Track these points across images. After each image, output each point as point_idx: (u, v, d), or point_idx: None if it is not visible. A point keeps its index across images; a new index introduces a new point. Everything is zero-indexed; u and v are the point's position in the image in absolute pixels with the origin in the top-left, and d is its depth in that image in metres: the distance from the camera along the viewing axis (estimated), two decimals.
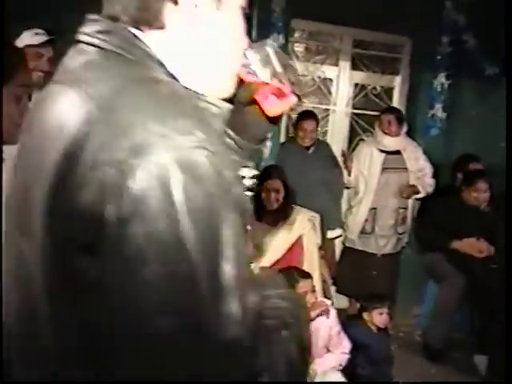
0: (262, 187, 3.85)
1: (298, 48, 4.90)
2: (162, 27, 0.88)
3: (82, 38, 0.90)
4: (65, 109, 0.83)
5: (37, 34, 3.28)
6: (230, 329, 0.75)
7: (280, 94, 1.15)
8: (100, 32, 0.88)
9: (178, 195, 0.72)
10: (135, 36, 0.88)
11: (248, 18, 3.25)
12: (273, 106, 1.17)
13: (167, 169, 0.72)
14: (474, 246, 4.28)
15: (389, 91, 5.19)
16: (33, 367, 0.86)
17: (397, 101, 5.15)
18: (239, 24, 0.97)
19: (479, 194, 4.31)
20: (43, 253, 0.79)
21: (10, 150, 1.65)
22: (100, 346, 0.77)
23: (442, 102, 4.81)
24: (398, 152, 4.50)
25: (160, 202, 0.72)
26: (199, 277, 0.73)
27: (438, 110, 4.84)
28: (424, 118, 4.87)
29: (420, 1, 4.51)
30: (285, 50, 4.63)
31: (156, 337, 0.74)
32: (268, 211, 3.87)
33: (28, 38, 3.22)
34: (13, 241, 0.88)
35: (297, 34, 4.83)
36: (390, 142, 4.46)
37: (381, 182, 4.48)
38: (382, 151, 4.49)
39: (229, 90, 1.01)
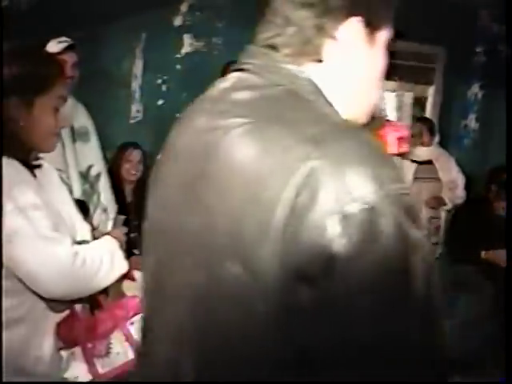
0: None
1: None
2: (320, 60, 0.95)
3: (248, 69, 0.99)
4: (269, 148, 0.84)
5: (60, 42, 3.39)
6: (444, 352, 0.82)
7: (401, 138, 1.20)
8: (266, 66, 0.96)
9: (412, 233, 0.78)
10: (302, 70, 0.95)
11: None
12: (393, 145, 1.23)
13: (395, 211, 0.77)
14: (503, 257, 4.25)
15: (422, 101, 5.18)
16: None
17: (430, 111, 5.14)
18: (384, 60, 1.02)
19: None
20: (267, 282, 0.80)
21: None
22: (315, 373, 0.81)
23: (476, 112, 4.80)
24: (430, 162, 4.52)
25: (392, 238, 0.77)
26: (421, 307, 0.79)
27: (472, 121, 4.82)
28: (457, 128, 4.86)
29: (454, 10, 4.50)
30: None
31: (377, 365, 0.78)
32: None
33: (52, 47, 3.33)
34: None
35: None
36: (422, 152, 4.48)
37: (413, 191, 4.47)
38: (414, 161, 4.50)
39: (365, 119, 1.05)
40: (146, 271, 1.03)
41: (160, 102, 4.56)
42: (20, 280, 1.52)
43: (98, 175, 3.42)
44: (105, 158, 3.86)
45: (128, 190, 3.86)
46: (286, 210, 0.78)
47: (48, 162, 1.77)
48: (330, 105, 0.94)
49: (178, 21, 4.50)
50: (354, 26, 0.94)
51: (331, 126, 0.86)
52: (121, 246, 1.74)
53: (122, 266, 1.71)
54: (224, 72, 4.10)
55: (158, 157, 1.13)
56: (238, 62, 1.02)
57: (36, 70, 1.62)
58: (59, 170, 3.18)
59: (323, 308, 0.77)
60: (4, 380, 1.57)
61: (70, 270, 1.52)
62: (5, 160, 1.54)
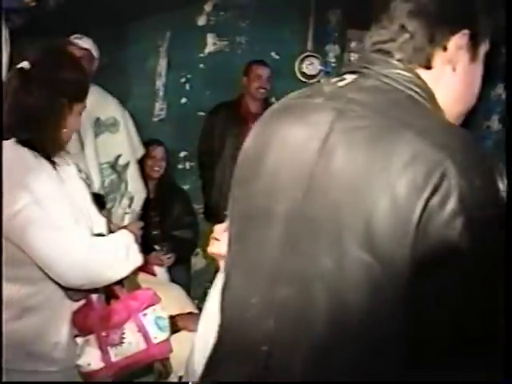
0: None
1: (355, 58, 4.93)
2: (429, 67, 1.05)
3: (363, 72, 1.07)
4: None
5: (77, 38, 3.48)
6: None
7: None
8: (383, 71, 1.05)
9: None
10: (417, 77, 1.04)
11: (303, 29, 3.36)
12: None
13: (502, 215, 0.90)
14: None
15: None
16: None
17: None
18: (482, 70, 1.13)
19: None
20: (395, 271, 0.91)
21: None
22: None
23: (499, 113, 4.75)
24: None
25: (500, 239, 0.90)
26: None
27: (494, 122, 4.78)
28: (479, 129, 4.82)
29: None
30: (340, 60, 4.70)
31: None
32: None
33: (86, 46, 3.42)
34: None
35: (353, 45, 4.86)
36: None
37: None
38: None
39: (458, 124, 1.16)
40: (242, 253, 1.12)
41: (183, 101, 4.61)
42: (39, 268, 1.58)
43: (127, 164, 3.49)
44: None
45: (151, 186, 3.92)
46: (421, 209, 0.88)
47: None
48: (442, 111, 1.06)
49: (201, 20, 4.55)
50: (462, 38, 1.04)
51: (457, 136, 0.97)
52: (136, 240, 1.78)
53: (136, 259, 1.76)
54: (246, 71, 4.14)
55: (248, 145, 1.18)
56: (349, 64, 1.13)
57: (84, 80, 1.78)
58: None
59: (442, 295, 0.89)
60: (18, 366, 1.64)
61: (86, 260, 1.58)
62: (30, 153, 1.61)
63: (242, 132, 4.15)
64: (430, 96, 1.04)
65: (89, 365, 1.66)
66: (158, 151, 3.93)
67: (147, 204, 3.81)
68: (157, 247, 3.72)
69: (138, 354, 1.69)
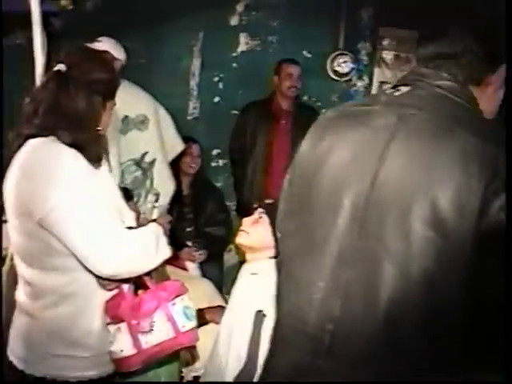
0: None
1: (387, 55, 4.92)
2: (478, 85, 1.26)
3: (420, 85, 1.26)
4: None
5: (116, 44, 3.55)
6: None
7: None
8: (438, 84, 1.25)
9: None
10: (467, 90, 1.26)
11: (335, 27, 3.39)
12: None
13: None
14: None
15: None
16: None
17: None
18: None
19: None
20: (457, 245, 1.10)
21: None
22: None
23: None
24: None
25: None
26: None
27: None
28: None
29: None
30: (372, 58, 4.70)
31: None
32: None
33: (111, 49, 3.50)
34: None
35: (385, 42, 4.85)
36: None
37: None
38: None
39: None
40: (306, 242, 1.27)
41: (216, 99, 4.69)
42: (75, 258, 1.66)
43: (153, 162, 3.56)
44: None
45: (185, 183, 3.99)
46: (482, 195, 1.07)
47: None
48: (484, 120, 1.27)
49: (234, 20, 4.61)
50: (503, 71, 1.27)
51: (500, 137, 1.15)
52: (165, 233, 1.85)
53: (165, 252, 1.82)
54: (277, 70, 4.18)
55: (308, 147, 1.35)
56: (403, 77, 1.33)
57: (114, 78, 1.87)
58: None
59: (495, 266, 1.08)
60: (54, 351, 1.73)
61: (119, 252, 1.65)
62: (68, 149, 1.69)
63: (273, 129, 4.21)
64: (477, 107, 1.26)
65: (121, 351, 1.73)
66: (195, 148, 3.99)
67: (181, 200, 3.89)
68: (189, 243, 3.79)
69: (167, 342, 1.75)
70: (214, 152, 4.72)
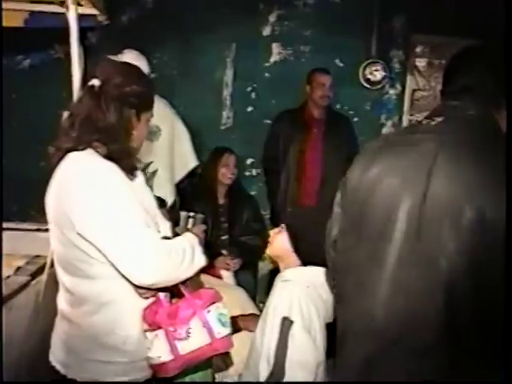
0: None
1: (420, 63, 4.90)
2: (497, 111, 1.53)
3: (449, 115, 1.53)
4: None
5: (139, 56, 3.62)
6: None
7: None
8: (467, 113, 1.52)
9: None
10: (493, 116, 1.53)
11: (367, 35, 3.41)
12: None
13: None
14: None
15: None
16: None
17: None
18: None
19: None
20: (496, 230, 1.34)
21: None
22: None
23: None
24: None
25: None
26: None
27: None
28: None
29: None
30: (405, 65, 4.69)
31: None
32: None
33: (137, 62, 3.58)
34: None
35: (418, 49, 4.84)
36: None
37: None
38: None
39: None
40: (369, 249, 1.52)
41: (249, 109, 4.73)
42: (112, 267, 1.70)
43: (154, 172, 3.62)
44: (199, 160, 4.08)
45: (221, 192, 4.02)
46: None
47: None
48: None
49: (266, 31, 4.65)
50: None
51: None
52: (200, 242, 1.89)
53: (200, 261, 1.86)
54: (309, 79, 4.20)
55: (359, 172, 1.62)
56: (436, 109, 1.62)
57: (150, 90, 1.91)
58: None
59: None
60: (94, 356, 1.78)
61: (156, 261, 1.69)
62: (104, 161, 1.74)
63: (305, 138, 4.22)
64: (500, 127, 1.51)
65: (159, 357, 1.77)
66: (232, 159, 4.01)
67: (216, 210, 3.93)
68: (224, 252, 3.82)
69: (202, 348, 1.78)
70: (248, 161, 4.75)
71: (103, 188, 1.69)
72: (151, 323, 1.79)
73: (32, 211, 3.82)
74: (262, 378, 2.10)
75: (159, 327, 1.78)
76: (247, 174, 4.76)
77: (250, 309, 3.03)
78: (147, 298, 1.82)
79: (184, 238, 1.88)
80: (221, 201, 4.00)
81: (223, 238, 3.91)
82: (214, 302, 1.84)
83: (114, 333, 1.79)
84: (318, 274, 2.24)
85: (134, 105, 1.83)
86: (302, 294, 2.19)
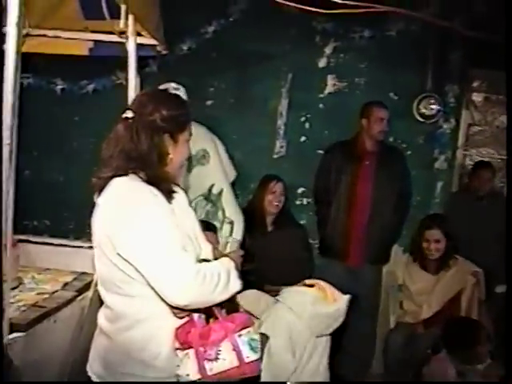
0: (422, 237, 3.93)
1: (477, 97, 4.86)
2: None
3: None
4: None
5: (175, 88, 3.73)
6: None
7: None
8: None
9: None
10: None
11: (423, 69, 3.41)
12: None
13: None
14: None
15: None
16: None
17: None
18: None
19: None
20: None
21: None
22: None
23: None
24: None
25: None
26: None
27: None
28: None
29: None
30: (460, 100, 4.65)
31: None
32: (429, 259, 3.91)
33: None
34: None
35: (475, 84, 4.80)
36: None
37: None
38: None
39: None
40: None
41: (303, 139, 4.78)
42: (149, 287, 1.78)
43: (220, 192, 3.69)
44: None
45: (269, 220, 4.07)
46: None
47: None
48: None
49: (322, 62, 4.72)
50: None
51: None
52: (236, 267, 1.93)
53: (235, 285, 1.90)
54: (365, 112, 4.22)
55: None
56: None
57: (181, 112, 1.95)
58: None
59: None
60: (127, 370, 1.84)
61: (191, 284, 1.75)
62: (144, 185, 1.82)
63: (357, 170, 4.23)
64: None
65: (187, 375, 1.81)
66: (278, 187, 4.06)
67: (264, 237, 3.98)
68: None
69: (230, 370, 1.81)
70: (299, 190, 4.79)
71: (142, 211, 1.77)
72: (183, 342, 1.83)
73: (88, 229, 3.97)
74: None
75: (190, 347, 1.82)
76: (298, 202, 4.79)
77: None
78: (182, 317, 1.87)
79: (220, 262, 1.92)
80: (269, 228, 4.05)
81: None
82: (246, 327, 1.87)
83: (147, 349, 1.85)
84: (305, 293, 2.49)
85: (165, 129, 1.89)
86: (284, 314, 2.48)
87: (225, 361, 1.81)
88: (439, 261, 3.93)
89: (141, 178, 1.84)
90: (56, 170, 4.77)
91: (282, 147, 4.80)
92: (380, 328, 4.33)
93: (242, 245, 3.49)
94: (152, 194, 1.82)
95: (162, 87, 3.59)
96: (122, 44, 3.09)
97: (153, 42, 3.35)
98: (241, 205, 4.36)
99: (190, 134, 1.99)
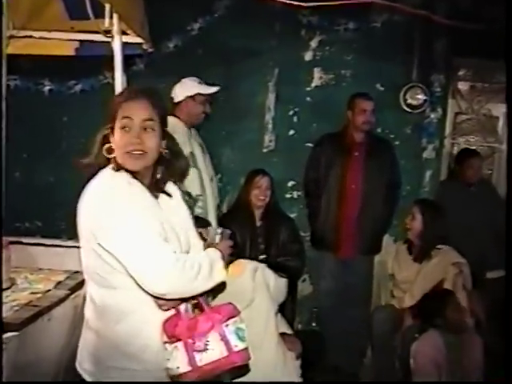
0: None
1: (463, 86, 4.90)
2: None
3: None
4: None
5: (200, 82, 3.76)
6: None
7: None
8: None
9: None
10: None
11: (408, 60, 3.45)
12: None
13: None
14: None
15: None
16: None
17: None
18: None
19: None
20: None
21: None
22: None
23: None
24: None
25: None
26: None
27: None
28: None
29: None
30: (446, 89, 4.69)
31: None
32: (414, 245, 3.97)
33: (196, 87, 3.72)
34: None
35: (461, 72, 4.83)
36: None
37: None
38: None
39: None
40: None
41: (291, 133, 4.81)
42: (130, 277, 1.80)
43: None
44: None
45: (257, 214, 4.08)
46: None
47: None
48: None
49: (308, 56, 4.75)
50: None
51: None
52: (222, 257, 1.95)
53: (219, 276, 1.92)
54: (350, 105, 4.24)
55: None
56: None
57: (118, 100, 1.97)
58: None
59: None
60: (115, 364, 1.87)
61: (170, 272, 1.77)
62: (122, 177, 1.87)
63: (346, 161, 4.26)
64: None
65: (178, 368, 1.83)
66: (264, 181, 4.05)
67: (253, 231, 4.00)
68: None
69: (220, 360, 1.83)
70: (289, 184, 4.81)
71: (116, 202, 1.80)
72: (171, 335, 1.85)
73: None
74: None
75: (179, 339, 1.84)
76: (288, 196, 4.82)
77: (283, 328, 3.05)
78: (166, 309, 1.88)
79: (204, 253, 1.95)
80: (258, 223, 4.06)
81: (260, 258, 3.97)
82: (232, 317, 1.90)
83: (135, 342, 1.87)
84: None
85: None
86: None
87: (214, 351, 1.83)
88: (422, 248, 3.96)
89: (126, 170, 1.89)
90: (46, 171, 4.77)
91: (270, 141, 4.82)
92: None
93: (233, 240, 3.49)
94: (129, 184, 1.86)
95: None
96: (108, 43, 3.09)
97: (139, 40, 3.35)
98: (231, 200, 4.41)
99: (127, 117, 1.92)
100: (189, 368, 1.82)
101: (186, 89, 3.75)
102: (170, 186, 2.05)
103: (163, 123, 1.96)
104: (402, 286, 4.01)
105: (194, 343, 1.83)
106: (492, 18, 3.63)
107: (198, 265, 1.84)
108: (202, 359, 1.82)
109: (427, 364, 3.36)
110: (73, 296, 2.67)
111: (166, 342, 1.87)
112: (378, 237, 4.39)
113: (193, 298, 1.90)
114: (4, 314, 2.16)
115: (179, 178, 2.09)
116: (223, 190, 4.64)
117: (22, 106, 4.16)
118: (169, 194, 2.03)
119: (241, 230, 3.91)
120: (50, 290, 2.64)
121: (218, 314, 1.88)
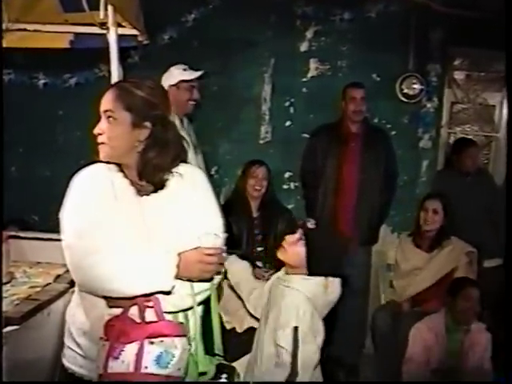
0: (421, 207, 3.98)
1: (459, 76, 4.89)
2: None
3: None
4: None
5: (185, 69, 3.74)
6: None
7: None
8: None
9: None
10: None
11: (404, 50, 3.43)
12: None
13: None
14: None
15: None
16: None
17: None
18: None
19: None
20: None
21: None
22: None
23: None
24: None
25: None
26: None
27: None
28: None
29: None
30: (442, 79, 4.68)
31: None
32: (425, 236, 3.96)
33: (180, 75, 3.70)
34: None
35: (456, 62, 4.83)
36: None
37: None
38: None
39: None
40: None
41: (288, 124, 4.80)
42: None
43: None
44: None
45: (254, 205, 4.08)
46: None
47: None
48: None
49: (304, 46, 4.73)
50: None
51: None
52: (177, 266, 1.80)
53: (162, 284, 1.79)
54: (342, 94, 4.23)
55: None
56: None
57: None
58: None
59: None
60: (66, 342, 2.01)
61: (77, 265, 1.88)
62: (85, 173, 1.94)
63: (343, 152, 4.25)
64: None
65: (97, 367, 1.77)
66: (260, 171, 4.03)
67: (251, 222, 3.99)
68: (259, 263, 3.87)
69: (126, 375, 1.70)
70: (286, 175, 4.81)
71: (73, 194, 1.93)
72: (104, 333, 1.80)
73: None
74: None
75: (108, 340, 1.78)
76: (285, 187, 4.81)
77: None
78: (111, 307, 1.84)
79: (154, 256, 1.82)
80: (255, 214, 4.05)
81: (258, 249, 3.97)
82: (164, 336, 1.75)
83: (75, 321, 2.00)
84: (319, 283, 2.42)
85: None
86: (305, 304, 2.37)
87: (123, 363, 1.72)
88: (434, 238, 3.97)
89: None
90: (42, 165, 4.76)
91: (267, 133, 4.81)
92: (371, 307, 4.39)
93: (230, 231, 3.48)
94: (95, 177, 1.93)
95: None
96: (103, 35, 3.07)
97: (133, 32, 3.33)
98: (228, 192, 4.39)
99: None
100: (101, 371, 1.74)
101: (168, 78, 3.72)
102: (177, 180, 1.95)
103: (137, 114, 1.86)
104: (408, 275, 4.01)
105: (115, 349, 1.73)
106: (489, 7, 3.61)
107: (139, 267, 1.79)
108: (113, 367, 1.72)
109: (416, 342, 3.38)
110: (72, 289, 2.65)
111: (101, 338, 1.81)
112: (375, 227, 4.39)
113: (148, 302, 1.81)
114: (4, 308, 2.17)
115: (171, 165, 1.94)
116: (220, 182, 4.64)
117: (17, 100, 4.15)
118: (162, 187, 1.93)
119: (237, 221, 3.90)
120: (49, 284, 2.63)
121: (151, 327, 1.76)
